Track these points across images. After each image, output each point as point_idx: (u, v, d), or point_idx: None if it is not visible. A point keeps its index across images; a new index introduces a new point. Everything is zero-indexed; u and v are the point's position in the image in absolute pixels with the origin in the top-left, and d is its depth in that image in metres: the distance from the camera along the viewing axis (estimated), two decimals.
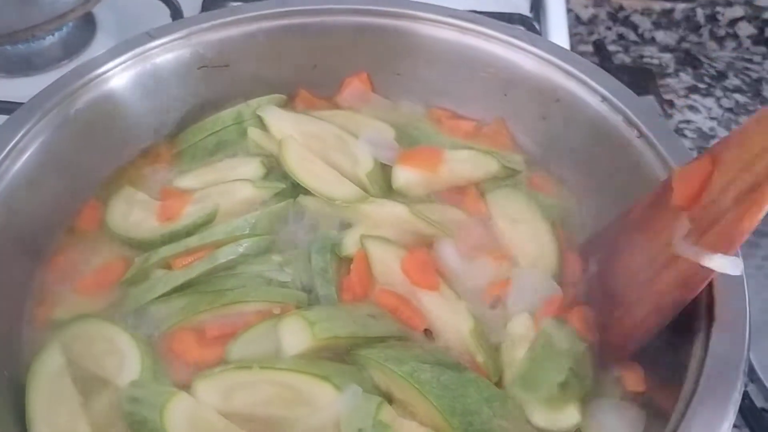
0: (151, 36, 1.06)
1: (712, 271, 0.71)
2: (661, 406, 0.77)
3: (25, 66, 1.44)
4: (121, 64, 1.03)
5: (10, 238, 0.91)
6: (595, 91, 0.99)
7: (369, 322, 0.86)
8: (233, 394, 0.80)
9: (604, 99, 0.97)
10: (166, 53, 1.07)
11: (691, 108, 1.54)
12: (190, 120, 1.10)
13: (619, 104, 0.95)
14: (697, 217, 0.74)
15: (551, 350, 0.83)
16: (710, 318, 0.76)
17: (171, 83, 1.08)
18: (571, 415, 0.81)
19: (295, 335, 0.82)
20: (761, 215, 0.66)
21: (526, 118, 1.09)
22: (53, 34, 1.46)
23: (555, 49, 1.04)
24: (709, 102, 1.56)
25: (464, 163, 1.03)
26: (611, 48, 1.69)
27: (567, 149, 1.04)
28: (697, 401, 0.70)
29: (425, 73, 1.14)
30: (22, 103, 1.09)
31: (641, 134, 0.92)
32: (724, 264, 0.70)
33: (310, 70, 1.16)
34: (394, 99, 1.17)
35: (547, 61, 1.03)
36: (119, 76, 1.03)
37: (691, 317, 0.77)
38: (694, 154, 0.94)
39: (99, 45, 1.49)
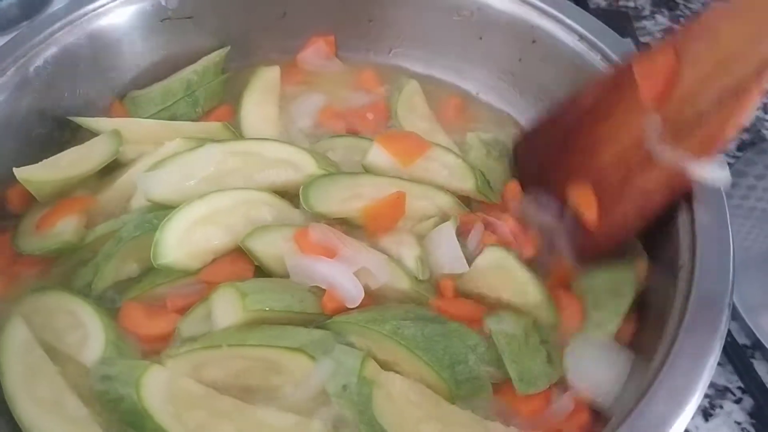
0: None
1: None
2: (646, 345, 0.76)
3: None
4: (80, 18, 0.99)
5: None
6: (572, 29, 0.96)
7: (308, 297, 0.81)
8: (203, 369, 0.77)
9: (582, 38, 0.95)
10: (127, 5, 1.03)
11: None
12: (158, 76, 1.06)
13: (597, 42, 0.93)
14: (670, 117, 0.71)
15: (516, 342, 0.82)
16: (693, 253, 0.75)
17: (134, 37, 1.04)
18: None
19: (227, 306, 0.79)
20: (746, 118, 0.66)
21: (502, 61, 1.06)
22: None
23: None
24: None
25: (442, 169, 0.97)
26: None
27: (544, 90, 1.01)
28: (682, 337, 0.70)
29: (397, 19, 1.11)
30: None
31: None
32: (713, 172, 0.69)
33: (278, 20, 1.12)
34: (365, 46, 1.14)
35: (522, 0, 1.00)
36: (79, 30, 0.99)
37: (675, 253, 0.77)
38: None
39: (58, 4, 1.43)
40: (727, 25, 0.66)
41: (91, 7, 1.00)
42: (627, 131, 0.75)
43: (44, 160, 0.92)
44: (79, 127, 1.00)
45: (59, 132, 0.99)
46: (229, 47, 1.10)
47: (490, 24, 1.04)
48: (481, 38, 1.06)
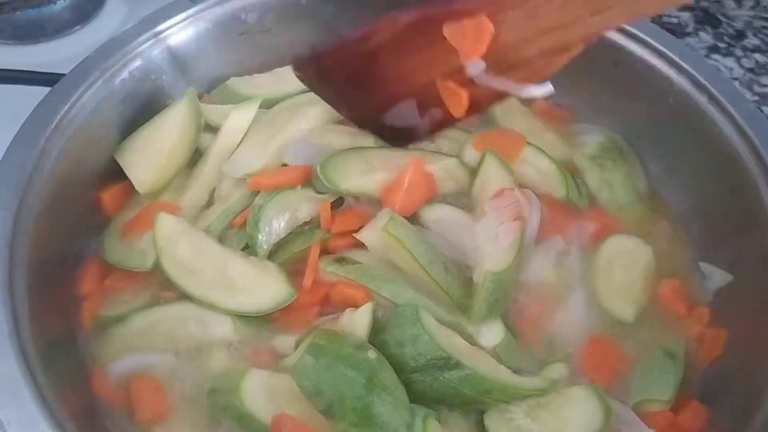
0: (192, 1, 1.01)
1: None
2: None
3: (36, 32, 1.37)
4: (163, 31, 1.00)
5: (63, 219, 0.88)
6: (659, 53, 0.97)
7: (439, 264, 0.86)
8: None
9: (671, 63, 0.96)
10: (208, 19, 1.03)
11: None
12: None
13: (687, 67, 0.94)
14: (490, 59, 0.73)
15: None
16: None
17: (214, 51, 1.05)
18: None
19: (372, 224, 0.86)
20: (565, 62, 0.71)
21: (582, 83, 1.06)
22: None
23: None
24: (730, 62, 1.56)
25: (534, 174, 0.98)
26: None
27: (628, 115, 1.02)
28: None
29: None
30: (34, 72, 1.05)
31: (712, 99, 0.91)
32: (537, 91, 0.73)
33: None
34: None
35: None
36: (161, 43, 1.00)
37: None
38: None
39: (111, 9, 1.43)
40: (549, 4, 0.68)
41: (173, 20, 1.00)
42: (446, 63, 0.75)
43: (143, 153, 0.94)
44: None
45: None
46: None
47: None
48: None
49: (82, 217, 0.92)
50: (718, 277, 0.89)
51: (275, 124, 0.99)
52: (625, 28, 1.00)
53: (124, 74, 0.96)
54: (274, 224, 0.88)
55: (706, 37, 1.61)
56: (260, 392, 0.76)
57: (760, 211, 0.84)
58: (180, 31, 1.01)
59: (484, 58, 0.72)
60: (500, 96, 0.77)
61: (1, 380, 0.65)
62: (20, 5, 1.31)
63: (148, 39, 0.98)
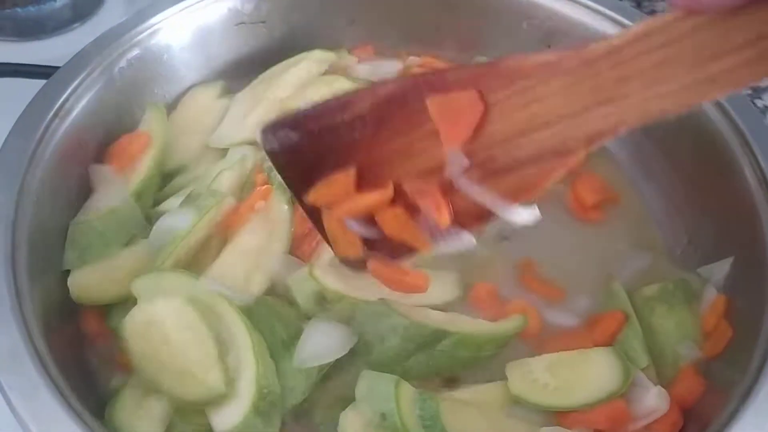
0: None
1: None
2: (738, 355, 0.77)
3: (37, 29, 1.39)
4: (160, 21, 1.01)
5: (64, 202, 0.90)
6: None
7: None
8: None
9: None
10: (204, 9, 1.05)
11: None
12: (232, 79, 1.09)
13: None
14: (477, 156, 0.62)
15: None
16: None
17: (210, 41, 1.07)
18: None
19: None
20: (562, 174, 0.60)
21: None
22: None
23: None
24: None
25: None
26: None
27: None
28: None
29: (463, 27, 1.13)
30: (35, 66, 1.07)
31: None
32: (522, 215, 0.62)
33: (346, 27, 1.14)
34: (430, 54, 1.15)
35: (593, 10, 1.02)
36: (161, 33, 1.01)
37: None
38: None
39: (110, 6, 1.45)
40: (547, 87, 0.57)
41: (171, 10, 1.02)
42: (425, 154, 0.64)
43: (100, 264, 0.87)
44: None
45: None
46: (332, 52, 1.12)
47: (560, 32, 1.06)
48: (549, 47, 1.08)
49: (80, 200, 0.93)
50: (716, 270, 0.87)
51: (255, 95, 1.03)
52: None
53: (122, 63, 0.97)
54: None
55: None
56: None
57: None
58: (177, 21, 1.02)
59: (469, 153, 0.61)
60: (483, 216, 0.65)
61: (4, 348, 0.66)
62: (21, 1, 1.33)
63: (146, 29, 1.00)
